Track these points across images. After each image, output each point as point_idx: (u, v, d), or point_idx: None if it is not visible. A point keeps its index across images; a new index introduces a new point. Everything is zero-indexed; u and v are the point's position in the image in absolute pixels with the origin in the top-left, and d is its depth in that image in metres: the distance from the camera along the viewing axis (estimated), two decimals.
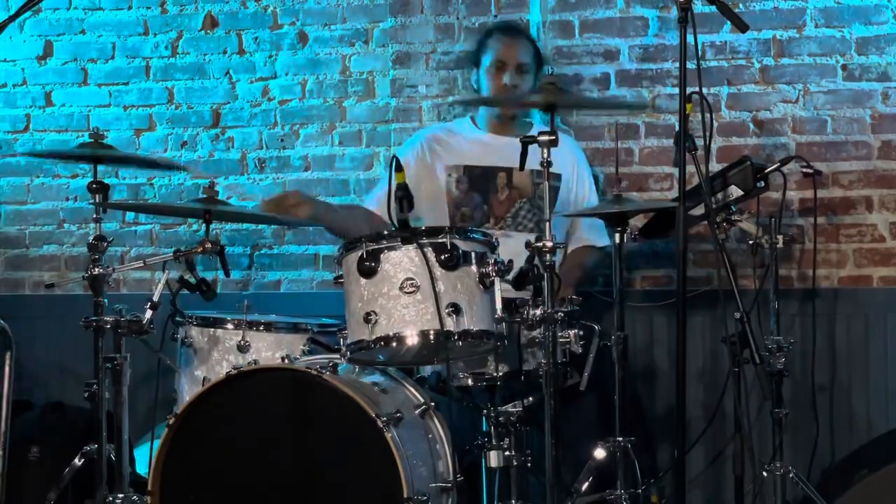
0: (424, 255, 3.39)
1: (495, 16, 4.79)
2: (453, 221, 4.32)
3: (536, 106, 4.12)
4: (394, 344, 3.40)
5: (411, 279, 3.38)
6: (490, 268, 3.43)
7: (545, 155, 3.42)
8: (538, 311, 3.42)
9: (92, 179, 3.86)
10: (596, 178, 4.67)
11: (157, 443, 3.54)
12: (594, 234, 4.42)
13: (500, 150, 4.32)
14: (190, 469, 3.53)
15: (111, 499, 3.66)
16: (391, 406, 3.47)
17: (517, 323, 3.55)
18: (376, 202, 4.35)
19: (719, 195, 3.99)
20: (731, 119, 4.67)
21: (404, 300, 3.38)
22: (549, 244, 3.39)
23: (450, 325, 3.36)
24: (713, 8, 3.50)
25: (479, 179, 4.36)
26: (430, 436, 3.57)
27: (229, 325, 3.88)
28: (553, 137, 3.42)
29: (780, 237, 4.04)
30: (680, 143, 3.33)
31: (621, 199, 3.95)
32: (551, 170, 3.46)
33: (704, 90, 3.37)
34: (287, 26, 5.00)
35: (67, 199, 5.20)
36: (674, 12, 4.50)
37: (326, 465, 3.43)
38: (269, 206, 4.12)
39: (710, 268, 4.60)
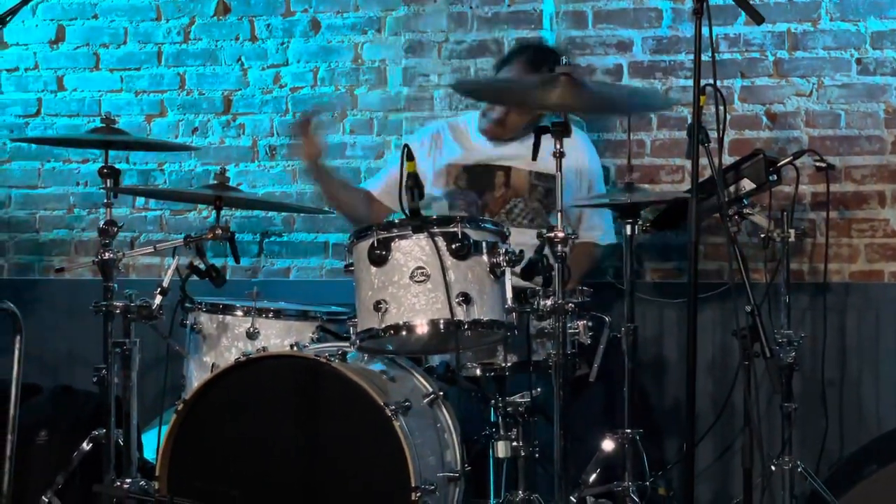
0: (435, 244, 3.38)
1: (508, 5, 4.78)
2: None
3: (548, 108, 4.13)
4: (403, 333, 3.39)
5: (422, 268, 3.38)
6: (501, 258, 3.42)
7: (558, 146, 3.40)
8: (548, 302, 3.42)
9: (103, 164, 3.87)
10: (607, 169, 4.66)
11: (166, 428, 3.54)
12: (597, 231, 4.43)
13: (501, 149, 4.33)
14: (198, 455, 3.53)
15: (119, 483, 3.67)
16: (400, 395, 3.47)
17: (527, 313, 3.54)
18: (380, 187, 4.37)
19: (731, 188, 3.98)
20: (745, 112, 4.65)
21: (415, 289, 3.38)
22: (561, 234, 3.38)
23: (460, 314, 3.35)
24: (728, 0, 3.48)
25: (477, 177, 4.36)
26: (438, 425, 3.57)
27: (238, 312, 3.88)
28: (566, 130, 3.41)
29: (791, 231, 4.03)
30: (693, 135, 3.31)
31: (633, 190, 3.94)
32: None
33: (718, 82, 3.35)
34: (299, 13, 5.00)
35: (78, 184, 5.20)
36: (688, 4, 4.51)
37: (334, 453, 3.43)
38: (295, 128, 4.26)
39: (721, 261, 4.59)
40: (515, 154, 4.30)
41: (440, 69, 4.86)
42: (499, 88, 3.96)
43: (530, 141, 3.54)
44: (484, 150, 4.38)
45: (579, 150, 4.32)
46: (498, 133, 4.34)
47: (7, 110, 5.21)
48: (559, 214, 3.41)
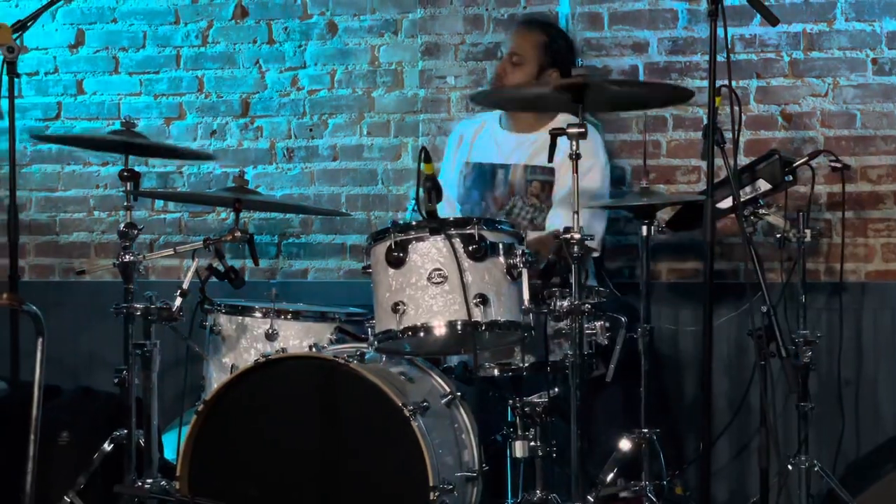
0: (452, 245, 3.40)
1: (524, 7, 4.79)
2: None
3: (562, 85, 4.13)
4: (421, 334, 3.41)
5: (439, 270, 3.40)
6: (518, 259, 3.44)
7: (574, 147, 3.42)
8: (565, 303, 3.43)
9: (123, 167, 3.90)
10: (622, 170, 4.68)
11: (186, 429, 3.57)
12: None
13: (509, 147, 4.34)
14: (218, 455, 3.56)
15: (140, 483, 3.70)
16: (418, 395, 3.49)
17: (544, 314, 3.56)
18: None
19: (747, 188, 3.98)
20: (760, 112, 4.66)
21: (432, 290, 3.39)
22: (577, 236, 3.39)
23: (477, 315, 3.37)
24: (743, 1, 3.50)
25: (479, 177, 4.38)
26: (455, 425, 3.59)
27: (257, 314, 3.91)
28: (582, 130, 3.42)
29: (807, 231, 4.03)
30: (708, 135, 3.33)
31: (648, 191, 3.95)
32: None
33: (733, 83, 3.37)
34: (317, 16, 5.02)
35: (98, 187, 5.24)
36: (703, 5, 4.52)
37: (353, 454, 3.45)
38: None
39: (737, 261, 4.60)
40: (522, 151, 4.28)
41: (456, 71, 4.88)
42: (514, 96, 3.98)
43: (544, 135, 3.54)
44: (493, 148, 4.38)
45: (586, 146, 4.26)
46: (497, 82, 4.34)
47: (27, 114, 5.24)
48: (575, 216, 3.42)
